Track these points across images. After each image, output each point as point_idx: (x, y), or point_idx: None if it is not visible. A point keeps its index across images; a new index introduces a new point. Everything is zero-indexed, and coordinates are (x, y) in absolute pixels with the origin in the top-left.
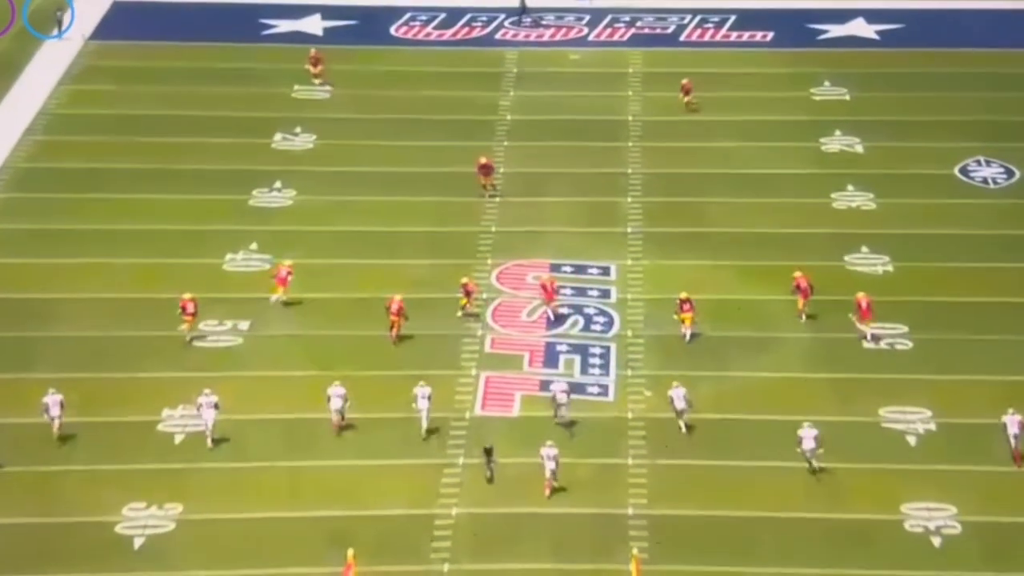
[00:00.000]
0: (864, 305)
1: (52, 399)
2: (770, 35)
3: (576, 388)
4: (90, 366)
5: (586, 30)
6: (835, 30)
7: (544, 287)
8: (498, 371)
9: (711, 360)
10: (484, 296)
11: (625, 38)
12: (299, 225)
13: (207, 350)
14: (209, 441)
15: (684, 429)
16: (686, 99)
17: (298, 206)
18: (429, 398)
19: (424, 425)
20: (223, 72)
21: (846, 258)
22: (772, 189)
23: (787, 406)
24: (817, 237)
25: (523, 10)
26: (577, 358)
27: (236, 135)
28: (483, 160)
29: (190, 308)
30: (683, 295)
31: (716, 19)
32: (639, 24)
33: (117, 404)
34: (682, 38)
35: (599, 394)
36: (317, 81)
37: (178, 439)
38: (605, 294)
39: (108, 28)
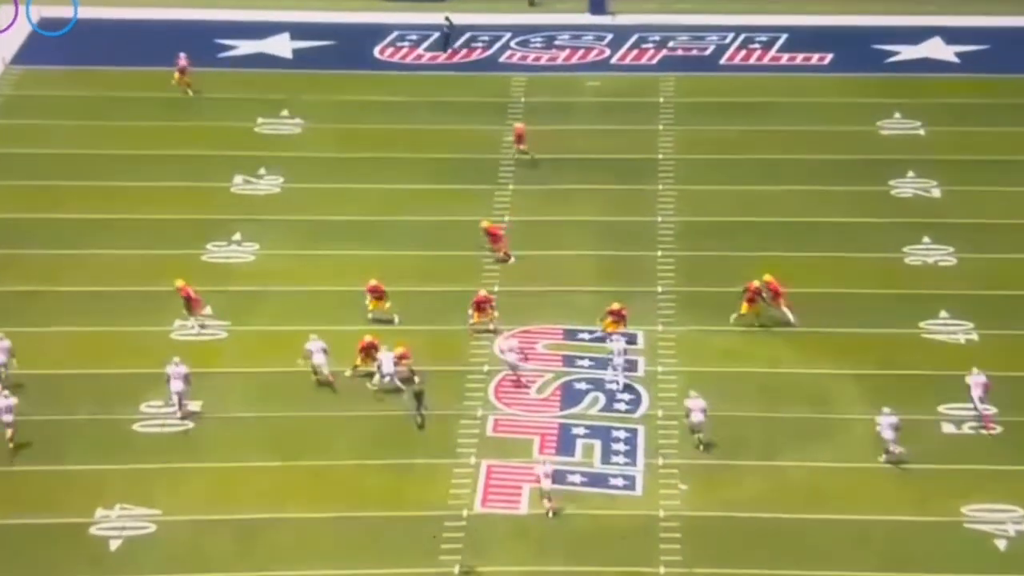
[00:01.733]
0: (774, 290)
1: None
2: (828, 57)
3: (597, 480)
4: (10, 457)
5: (608, 51)
6: (907, 52)
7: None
8: (502, 459)
9: (760, 447)
10: (486, 369)
11: (655, 61)
12: (262, 284)
13: (152, 437)
14: (179, 413)
15: (701, 447)
16: (519, 147)
17: (261, 262)
18: (325, 351)
19: (321, 376)
20: (172, 103)
21: (922, 324)
22: (832, 242)
23: (851, 503)
24: (886, 299)
25: (449, 28)
26: (597, 443)
27: (188, 178)
28: (485, 224)
29: (192, 294)
30: (616, 305)
31: (764, 38)
32: (671, 44)
33: (41, 503)
34: (723, 61)
35: (624, 487)
36: (187, 91)
37: (114, 545)
38: (631, 366)
39: (33, 51)
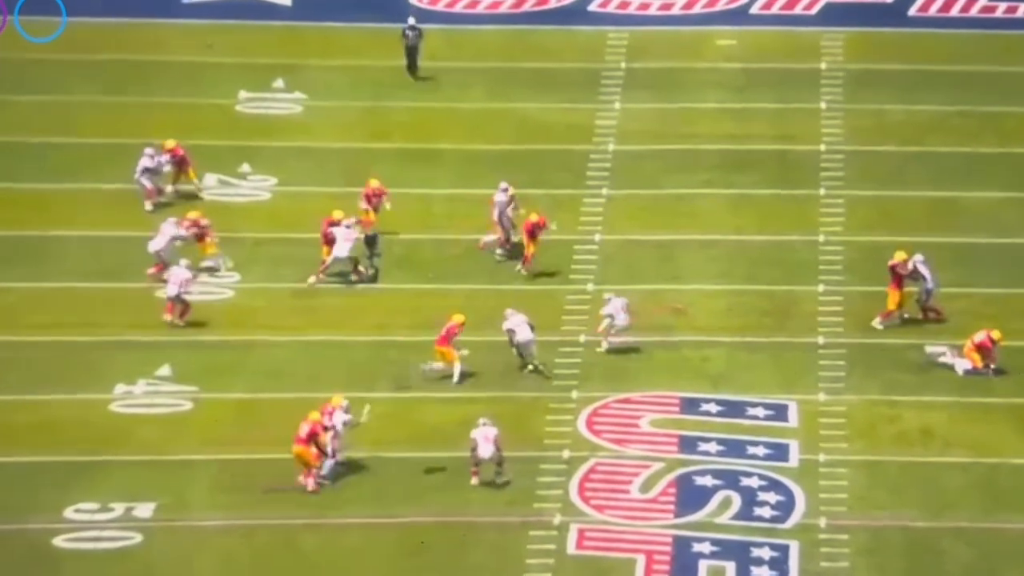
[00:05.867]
0: None
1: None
2: None
3: None
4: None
5: None
6: None
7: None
8: None
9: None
10: (567, 456)
11: (814, 11)
12: (244, 333)
13: (81, 556)
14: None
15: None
16: (366, 209)
17: (243, 302)
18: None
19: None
20: (111, 69)
21: None
22: None
23: None
24: None
25: (415, 36)
26: (730, 567)
27: (132, 179)
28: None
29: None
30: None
31: None
32: None
33: None
34: (912, 11)
35: None
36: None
37: None
38: (778, 453)
39: None
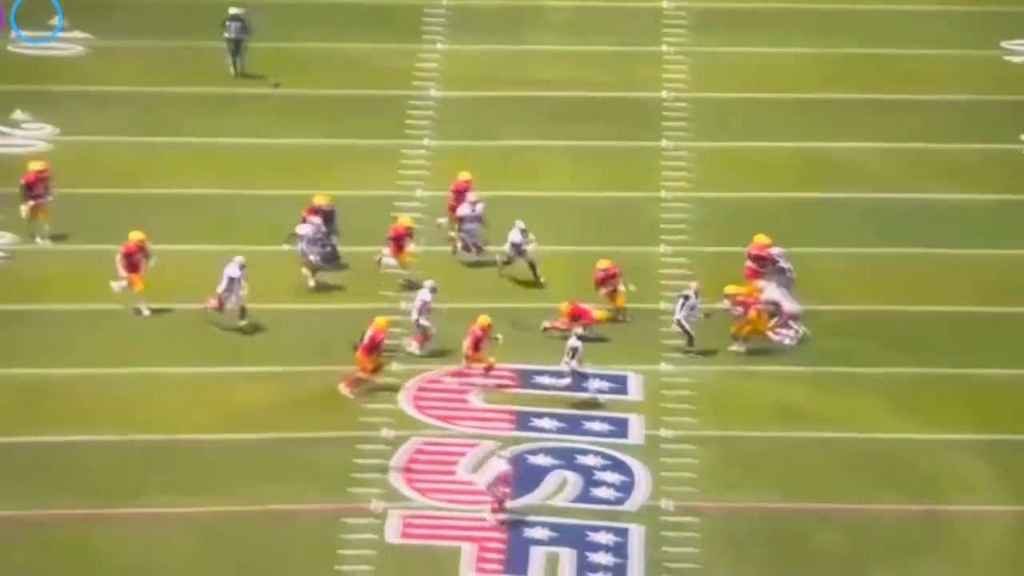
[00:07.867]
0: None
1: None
2: None
3: None
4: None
5: None
6: None
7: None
8: None
9: (837, 560)
10: (386, 434)
11: None
12: (17, 300)
13: None
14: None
15: None
16: None
17: (17, 268)
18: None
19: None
20: None
21: None
22: (946, 232)
23: None
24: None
25: (239, 28)
26: (566, 554)
27: None
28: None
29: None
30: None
31: None
32: None
33: None
34: None
35: None
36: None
37: None
38: (618, 429)
39: None
